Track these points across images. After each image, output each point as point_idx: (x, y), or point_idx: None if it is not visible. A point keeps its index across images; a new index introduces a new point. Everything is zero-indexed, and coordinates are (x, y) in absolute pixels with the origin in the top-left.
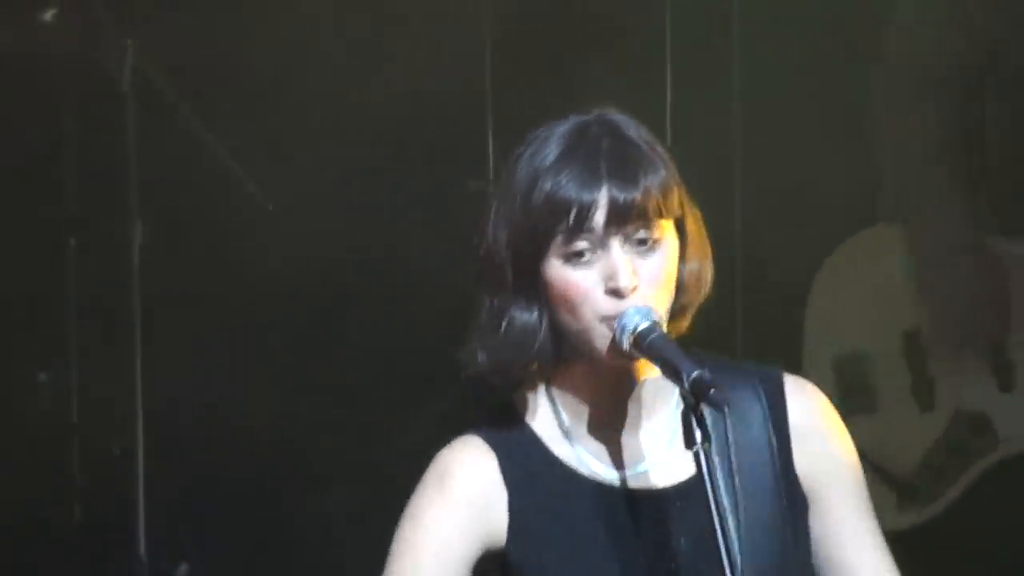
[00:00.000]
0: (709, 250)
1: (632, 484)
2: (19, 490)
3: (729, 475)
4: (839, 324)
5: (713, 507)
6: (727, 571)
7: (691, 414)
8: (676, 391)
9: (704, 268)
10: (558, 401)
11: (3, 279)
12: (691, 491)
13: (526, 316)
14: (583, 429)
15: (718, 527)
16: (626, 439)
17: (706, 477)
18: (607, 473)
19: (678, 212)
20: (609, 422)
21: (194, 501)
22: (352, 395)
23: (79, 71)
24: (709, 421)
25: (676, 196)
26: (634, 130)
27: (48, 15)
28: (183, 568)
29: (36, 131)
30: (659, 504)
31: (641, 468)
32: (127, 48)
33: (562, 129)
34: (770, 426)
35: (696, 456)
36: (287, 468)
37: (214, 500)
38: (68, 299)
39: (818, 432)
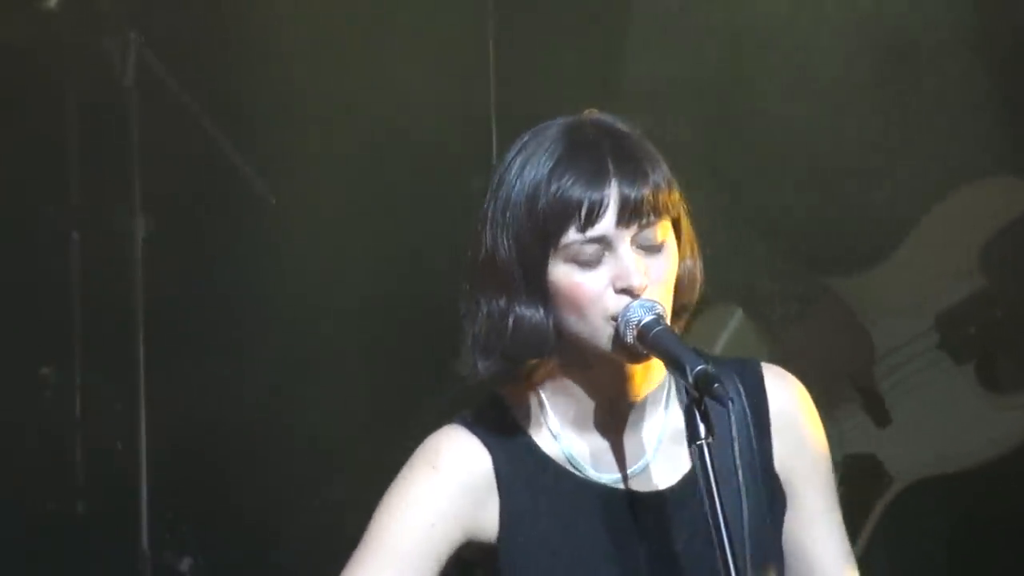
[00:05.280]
0: (697, 249)
1: (625, 486)
2: (22, 484)
3: (732, 470)
4: None
5: (718, 503)
6: (732, 568)
7: (694, 409)
8: (664, 394)
9: (696, 267)
10: (548, 402)
11: (6, 273)
12: (684, 491)
13: (534, 315)
14: (574, 431)
15: (722, 523)
16: (617, 441)
17: (709, 471)
18: (600, 475)
19: (678, 210)
20: (600, 424)
21: (197, 495)
22: (356, 387)
23: (82, 64)
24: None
25: (676, 192)
26: (628, 127)
27: (52, 4)
28: (186, 562)
29: (39, 124)
30: (653, 505)
31: (633, 470)
32: (131, 40)
33: (553, 131)
34: (750, 421)
35: (699, 450)
36: (290, 460)
37: (218, 493)
38: (71, 293)
39: (797, 423)
